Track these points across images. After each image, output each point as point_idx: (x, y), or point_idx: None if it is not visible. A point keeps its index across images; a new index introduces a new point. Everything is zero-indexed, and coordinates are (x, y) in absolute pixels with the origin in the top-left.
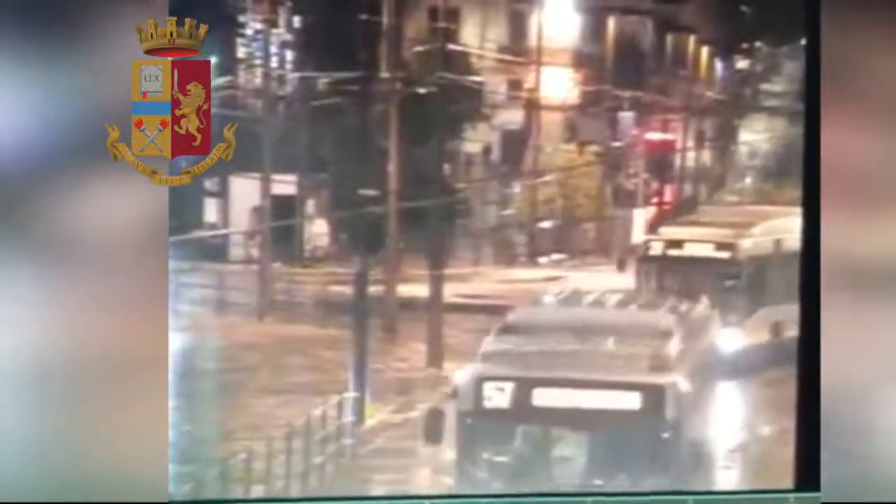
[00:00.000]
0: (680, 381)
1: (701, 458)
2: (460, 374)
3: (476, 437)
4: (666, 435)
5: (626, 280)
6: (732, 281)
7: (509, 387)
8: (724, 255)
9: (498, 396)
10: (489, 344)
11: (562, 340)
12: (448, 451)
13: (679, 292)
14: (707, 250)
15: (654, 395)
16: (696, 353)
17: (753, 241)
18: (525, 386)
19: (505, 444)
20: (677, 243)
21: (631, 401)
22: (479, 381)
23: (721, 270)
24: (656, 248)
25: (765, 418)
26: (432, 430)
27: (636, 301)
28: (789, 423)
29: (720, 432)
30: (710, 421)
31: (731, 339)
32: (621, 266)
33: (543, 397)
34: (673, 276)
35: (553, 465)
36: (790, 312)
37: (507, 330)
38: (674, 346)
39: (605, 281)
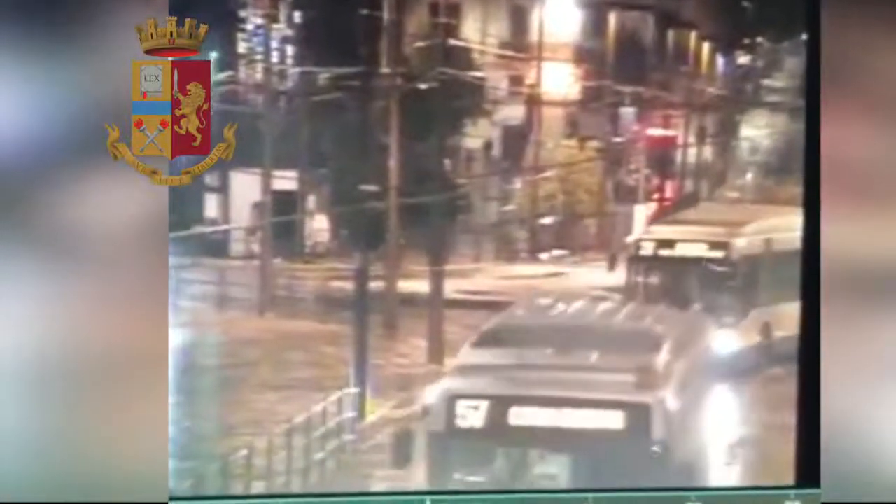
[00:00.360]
0: (668, 398)
1: (693, 474)
2: (431, 390)
3: (448, 459)
4: (654, 451)
5: (620, 278)
6: (727, 281)
7: (484, 405)
8: (718, 254)
9: (472, 415)
10: (463, 356)
11: (542, 353)
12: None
13: (671, 293)
14: (700, 250)
15: (640, 414)
16: (689, 360)
17: (748, 240)
18: (501, 404)
19: (479, 467)
20: (669, 243)
21: (615, 420)
22: (452, 398)
23: (715, 270)
24: (648, 248)
25: (763, 418)
26: (400, 452)
27: (625, 307)
28: (789, 420)
29: (713, 444)
30: (703, 432)
31: (726, 341)
32: (612, 265)
33: (521, 416)
34: (665, 276)
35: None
36: (787, 312)
37: (484, 342)
38: (663, 357)
39: (605, 278)
